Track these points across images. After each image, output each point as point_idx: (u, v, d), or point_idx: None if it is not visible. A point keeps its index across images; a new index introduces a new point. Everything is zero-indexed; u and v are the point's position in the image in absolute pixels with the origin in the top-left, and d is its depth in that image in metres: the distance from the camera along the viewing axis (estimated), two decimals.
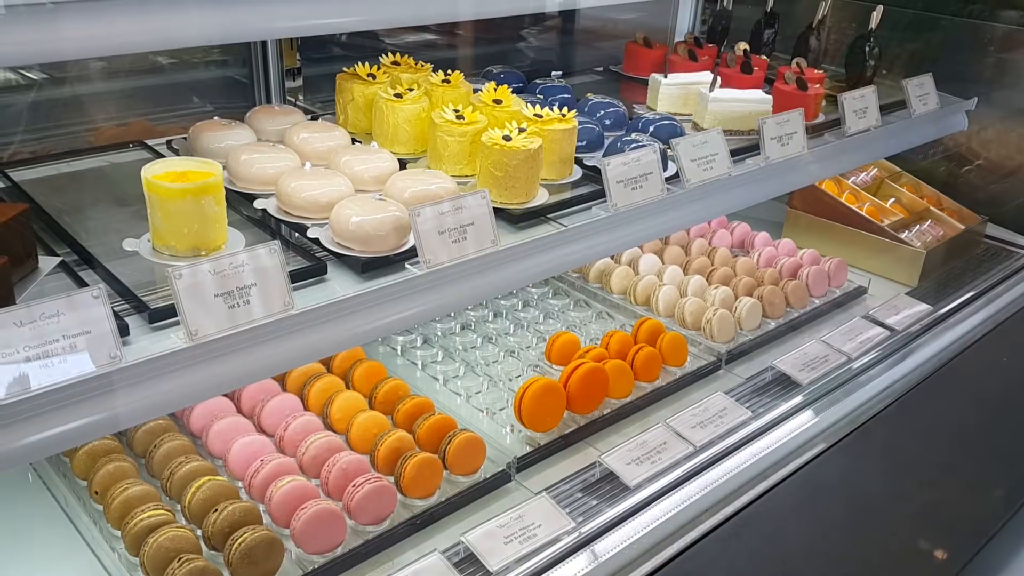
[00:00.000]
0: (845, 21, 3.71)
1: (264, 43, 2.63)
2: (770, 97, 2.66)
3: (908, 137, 2.98)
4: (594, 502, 2.05)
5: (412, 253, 1.74)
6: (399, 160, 2.10)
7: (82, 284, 1.59)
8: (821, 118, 2.82)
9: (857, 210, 3.30)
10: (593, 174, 2.19)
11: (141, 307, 1.52)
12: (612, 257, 2.99)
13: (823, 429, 2.47)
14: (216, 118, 2.14)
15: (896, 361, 2.78)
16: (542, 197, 2.06)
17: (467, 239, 1.74)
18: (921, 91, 2.98)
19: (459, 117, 2.09)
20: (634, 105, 2.84)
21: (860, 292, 3.12)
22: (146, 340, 1.46)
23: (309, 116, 2.35)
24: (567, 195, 2.12)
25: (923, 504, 3.35)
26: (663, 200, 2.10)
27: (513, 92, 2.29)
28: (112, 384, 1.34)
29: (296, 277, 1.63)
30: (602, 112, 2.55)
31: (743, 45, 3.08)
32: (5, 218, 1.49)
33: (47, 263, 1.62)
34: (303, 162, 1.97)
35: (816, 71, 2.88)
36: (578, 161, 2.26)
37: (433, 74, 2.33)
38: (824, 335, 2.78)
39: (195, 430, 2.08)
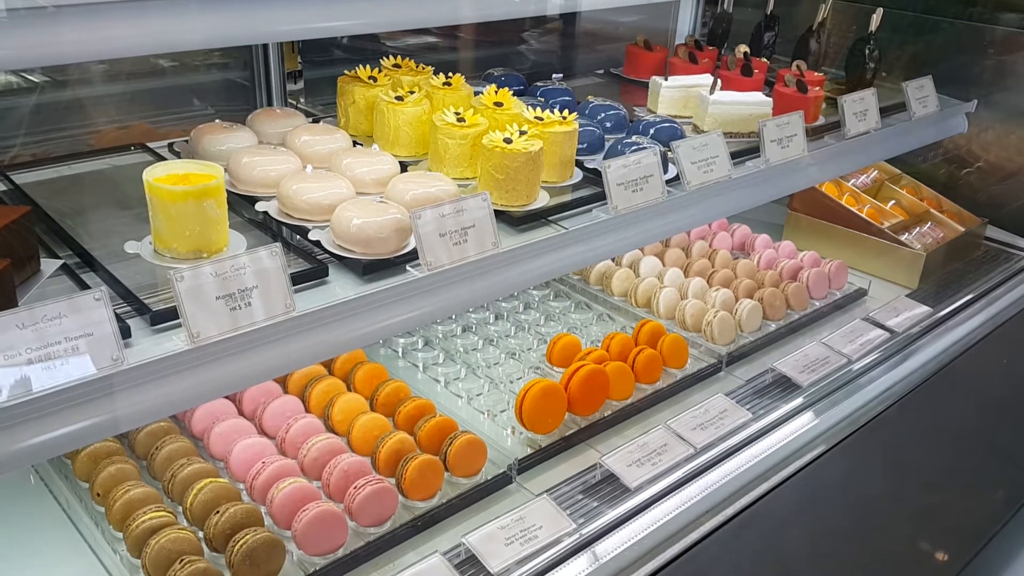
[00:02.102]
0: (845, 24, 3.71)
1: (265, 46, 2.64)
2: (770, 100, 2.66)
3: (908, 139, 2.98)
4: (595, 504, 2.06)
5: (413, 255, 1.74)
6: (400, 163, 2.10)
7: (84, 286, 1.59)
8: (821, 120, 2.82)
9: (857, 212, 3.30)
10: (594, 176, 2.20)
11: (143, 309, 1.52)
12: (613, 259, 2.99)
13: (823, 431, 2.47)
14: (217, 121, 2.15)
15: (896, 363, 2.78)
16: (543, 199, 2.06)
17: (468, 241, 1.74)
18: (921, 93, 2.98)
19: (460, 120, 2.09)
20: (635, 108, 2.85)
21: (860, 294, 3.12)
22: (148, 342, 1.47)
23: (310, 119, 2.35)
24: (568, 197, 2.12)
25: (923, 505, 3.35)
26: (664, 202, 2.11)
27: (514, 95, 2.29)
28: (114, 386, 1.34)
29: (297, 279, 1.63)
30: (603, 115, 2.56)
31: (743, 48, 3.08)
32: (7, 221, 1.49)
33: (49, 266, 1.62)
34: (304, 165, 1.97)
35: (816, 74, 2.88)
36: (579, 163, 2.26)
37: (434, 77, 2.33)
38: (824, 337, 2.78)
39: (196, 432, 2.08)
